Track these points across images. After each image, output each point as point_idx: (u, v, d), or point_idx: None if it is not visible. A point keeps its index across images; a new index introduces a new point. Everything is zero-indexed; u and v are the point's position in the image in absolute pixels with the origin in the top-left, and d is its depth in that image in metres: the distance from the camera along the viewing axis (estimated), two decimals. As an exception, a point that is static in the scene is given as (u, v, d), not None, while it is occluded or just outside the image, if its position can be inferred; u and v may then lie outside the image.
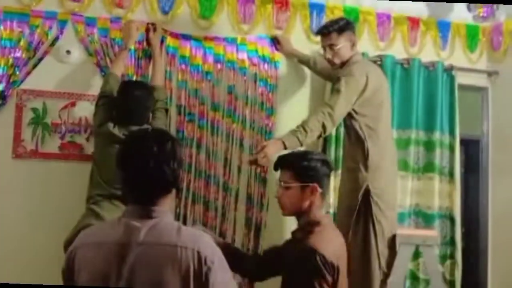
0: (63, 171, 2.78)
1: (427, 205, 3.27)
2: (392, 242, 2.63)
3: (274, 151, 2.31)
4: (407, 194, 3.25)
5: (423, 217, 3.27)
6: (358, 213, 2.58)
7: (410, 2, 3.34)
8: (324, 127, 2.43)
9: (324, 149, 3.09)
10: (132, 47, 2.84)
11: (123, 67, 2.78)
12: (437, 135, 3.30)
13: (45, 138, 2.78)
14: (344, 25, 2.64)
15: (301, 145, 2.41)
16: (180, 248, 1.34)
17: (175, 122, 2.94)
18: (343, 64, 2.66)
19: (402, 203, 3.18)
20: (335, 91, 2.51)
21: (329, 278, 1.82)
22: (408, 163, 3.25)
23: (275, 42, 3.11)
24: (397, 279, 2.62)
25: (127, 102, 2.50)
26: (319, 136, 2.48)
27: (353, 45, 2.66)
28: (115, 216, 1.53)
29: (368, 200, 2.57)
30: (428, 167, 3.30)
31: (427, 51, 3.45)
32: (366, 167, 2.58)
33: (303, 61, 3.11)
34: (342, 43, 2.62)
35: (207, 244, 1.39)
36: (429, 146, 3.31)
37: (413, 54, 3.40)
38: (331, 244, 1.89)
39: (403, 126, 3.25)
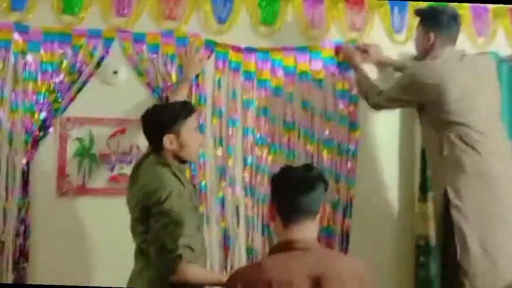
0: (113, 208, 2.41)
1: None
2: None
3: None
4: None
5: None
6: None
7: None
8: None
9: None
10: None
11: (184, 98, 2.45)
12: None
13: (93, 172, 2.47)
14: (423, 14, 2.38)
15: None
16: None
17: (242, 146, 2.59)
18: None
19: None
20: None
21: None
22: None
23: (361, 51, 2.63)
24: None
25: None
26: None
27: (428, 38, 2.31)
28: None
29: None
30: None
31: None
32: None
33: (400, 68, 2.62)
34: (418, 33, 2.40)
35: None
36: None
37: (518, 50, 2.83)
38: None
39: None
